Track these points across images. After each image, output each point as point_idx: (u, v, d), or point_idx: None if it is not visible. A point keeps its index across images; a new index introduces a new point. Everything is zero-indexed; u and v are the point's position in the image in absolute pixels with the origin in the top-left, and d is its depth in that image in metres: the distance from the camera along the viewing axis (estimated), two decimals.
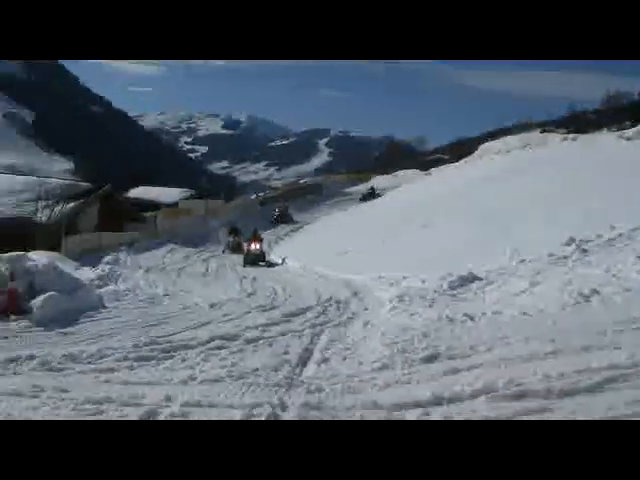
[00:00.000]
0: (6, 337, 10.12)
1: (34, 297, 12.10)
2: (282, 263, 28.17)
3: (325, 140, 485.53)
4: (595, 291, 10.55)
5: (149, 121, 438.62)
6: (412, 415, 5.43)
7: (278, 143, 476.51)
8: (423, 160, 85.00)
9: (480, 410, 5.39)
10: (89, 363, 8.22)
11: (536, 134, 53.77)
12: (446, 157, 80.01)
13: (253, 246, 29.73)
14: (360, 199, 51.20)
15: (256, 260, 28.75)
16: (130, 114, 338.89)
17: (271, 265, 27.94)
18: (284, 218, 44.99)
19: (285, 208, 46.31)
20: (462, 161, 54.70)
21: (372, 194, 51.02)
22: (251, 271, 25.34)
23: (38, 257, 14.98)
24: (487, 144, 55.27)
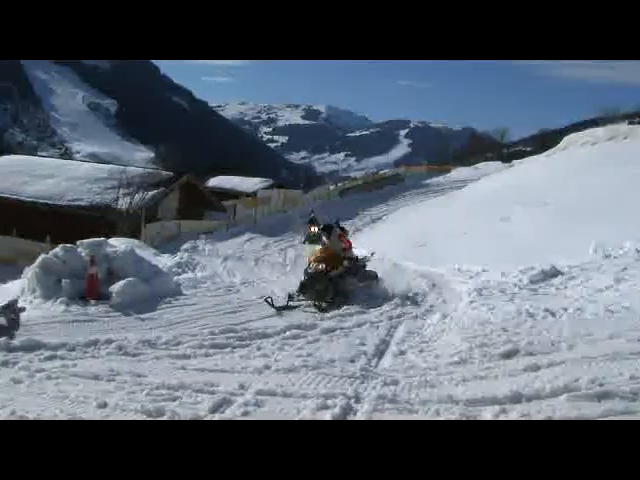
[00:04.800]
0: (85, 321, 10.36)
1: (113, 282, 12.36)
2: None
3: (405, 131, 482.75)
4: None
5: (230, 111, 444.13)
6: (489, 412, 5.30)
7: (357, 134, 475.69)
8: (504, 152, 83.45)
9: (561, 409, 5.22)
10: (165, 349, 8.33)
11: (624, 126, 52.14)
12: (528, 149, 78.61)
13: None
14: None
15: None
16: (210, 104, 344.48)
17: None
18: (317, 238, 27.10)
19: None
20: (545, 153, 53.45)
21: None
22: None
23: (118, 243, 15.28)
24: (572, 136, 53.68)
